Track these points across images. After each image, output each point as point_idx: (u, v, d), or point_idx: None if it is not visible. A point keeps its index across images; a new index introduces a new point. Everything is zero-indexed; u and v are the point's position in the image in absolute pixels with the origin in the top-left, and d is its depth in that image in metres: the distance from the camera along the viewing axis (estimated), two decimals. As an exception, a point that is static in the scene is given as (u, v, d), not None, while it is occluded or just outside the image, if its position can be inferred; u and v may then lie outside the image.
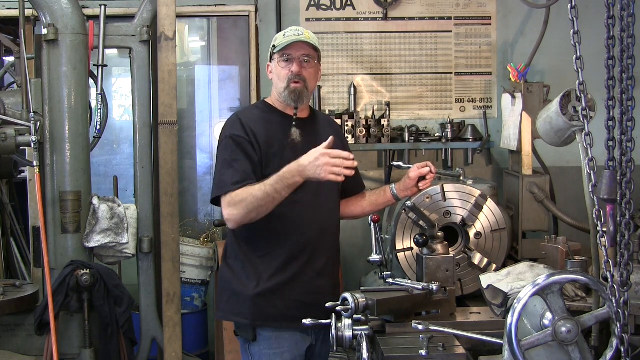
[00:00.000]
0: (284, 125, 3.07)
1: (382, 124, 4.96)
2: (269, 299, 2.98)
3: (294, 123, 3.06)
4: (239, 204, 2.84)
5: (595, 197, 2.01)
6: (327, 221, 3.15)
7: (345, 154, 2.75)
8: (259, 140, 2.98)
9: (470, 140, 5.05)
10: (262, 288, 2.98)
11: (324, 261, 3.11)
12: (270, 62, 3.12)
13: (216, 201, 2.97)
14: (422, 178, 3.15)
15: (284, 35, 3.07)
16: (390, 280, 3.08)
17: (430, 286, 2.91)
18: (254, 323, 3.00)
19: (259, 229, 2.97)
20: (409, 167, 3.85)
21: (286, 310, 2.96)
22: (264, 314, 2.98)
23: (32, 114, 3.79)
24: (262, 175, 2.94)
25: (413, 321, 2.52)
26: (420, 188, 3.18)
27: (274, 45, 3.08)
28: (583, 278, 2.14)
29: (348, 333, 2.64)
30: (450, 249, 3.24)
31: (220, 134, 3.09)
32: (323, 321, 2.72)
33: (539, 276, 2.14)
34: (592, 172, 2.01)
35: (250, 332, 3.02)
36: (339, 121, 4.87)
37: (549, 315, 2.11)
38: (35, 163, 3.74)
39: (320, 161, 2.70)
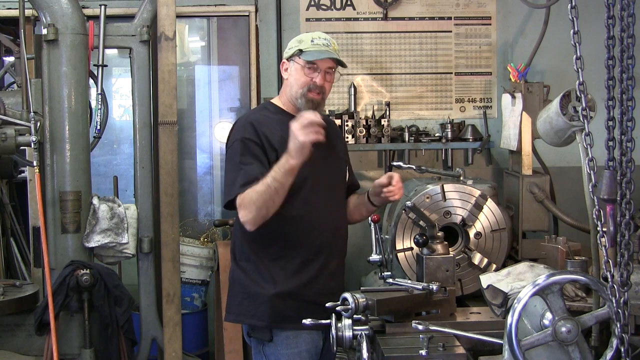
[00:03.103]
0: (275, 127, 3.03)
1: (382, 124, 4.96)
2: (286, 301, 2.97)
3: None
4: (248, 204, 2.81)
5: (595, 197, 2.01)
6: (340, 222, 3.16)
7: (309, 117, 2.70)
8: (272, 142, 2.95)
9: (470, 140, 5.05)
10: (280, 290, 2.97)
11: (337, 263, 3.13)
12: (288, 61, 3.05)
13: (228, 205, 2.93)
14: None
15: (312, 41, 3.00)
16: (390, 280, 3.08)
17: (430, 286, 2.91)
18: (271, 325, 2.98)
19: (272, 232, 2.95)
20: (409, 167, 3.86)
21: (302, 311, 2.90)
22: (281, 316, 2.96)
23: (32, 114, 3.79)
24: None
25: (413, 321, 2.52)
26: (384, 195, 3.11)
27: (300, 49, 3.00)
28: (583, 278, 2.14)
29: (348, 333, 2.64)
30: (450, 249, 3.24)
31: (230, 137, 3.05)
32: (323, 321, 2.72)
33: (539, 276, 2.14)
34: (592, 172, 2.01)
35: (266, 333, 3.00)
36: (338, 121, 4.88)
37: (549, 315, 2.11)
38: (35, 163, 3.74)
39: (299, 137, 2.67)
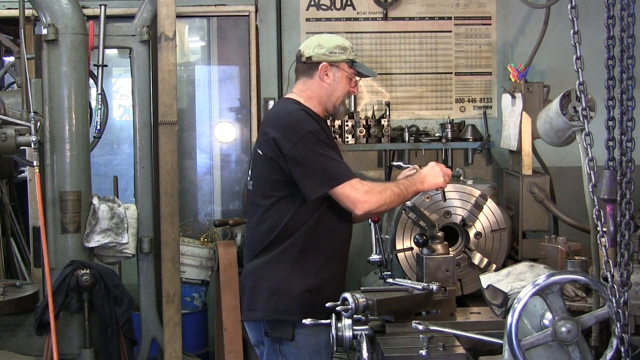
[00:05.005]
0: (324, 125, 3.12)
1: (382, 124, 4.97)
2: (314, 295, 2.95)
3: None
4: (379, 193, 2.94)
5: (595, 197, 2.01)
6: (352, 219, 3.18)
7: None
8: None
9: (470, 140, 5.05)
10: (310, 285, 2.96)
11: (348, 258, 3.18)
12: (331, 65, 3.06)
13: (321, 190, 2.94)
14: None
15: (352, 49, 3.10)
16: (390, 280, 3.08)
17: (430, 286, 2.91)
18: (303, 318, 2.91)
19: (325, 234, 3.00)
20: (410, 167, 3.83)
21: (324, 306, 2.86)
22: (311, 310, 2.89)
23: (32, 114, 3.79)
24: None
25: (413, 321, 2.52)
26: None
27: (352, 60, 3.08)
28: (583, 278, 2.14)
29: (348, 333, 2.64)
30: (450, 249, 3.24)
31: (295, 128, 2.95)
32: (323, 321, 2.71)
33: (539, 276, 2.14)
34: (592, 172, 2.01)
35: (289, 331, 2.96)
36: (338, 121, 4.90)
37: (549, 315, 2.11)
38: (35, 163, 3.73)
39: (437, 170, 3.07)
